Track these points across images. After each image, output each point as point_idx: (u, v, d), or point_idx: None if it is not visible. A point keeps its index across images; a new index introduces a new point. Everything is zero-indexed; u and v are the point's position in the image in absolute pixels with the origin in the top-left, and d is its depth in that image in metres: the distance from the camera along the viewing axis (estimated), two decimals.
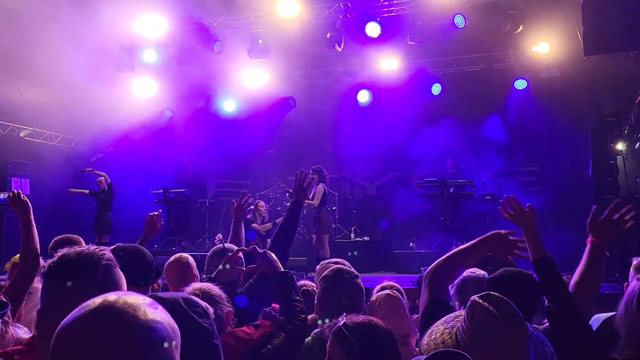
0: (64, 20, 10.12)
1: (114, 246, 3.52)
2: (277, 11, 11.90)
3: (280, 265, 3.04)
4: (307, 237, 12.95)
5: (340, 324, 2.17)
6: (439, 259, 2.70)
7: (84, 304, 1.11)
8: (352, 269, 3.23)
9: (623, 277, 8.27)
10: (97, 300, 1.11)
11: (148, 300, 1.14)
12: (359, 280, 3.04)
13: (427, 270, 2.73)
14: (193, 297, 1.66)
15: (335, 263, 3.48)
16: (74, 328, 1.07)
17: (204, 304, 1.65)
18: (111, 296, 1.11)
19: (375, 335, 2.16)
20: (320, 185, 10.48)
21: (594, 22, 8.79)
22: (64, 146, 13.95)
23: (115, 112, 12.43)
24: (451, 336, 1.86)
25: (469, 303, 1.90)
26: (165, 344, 1.09)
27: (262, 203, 11.59)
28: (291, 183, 13.79)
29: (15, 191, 3.63)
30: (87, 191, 12.53)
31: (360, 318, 2.22)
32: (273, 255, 3.07)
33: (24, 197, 3.62)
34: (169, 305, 1.53)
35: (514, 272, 2.82)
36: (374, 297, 3.36)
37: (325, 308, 2.91)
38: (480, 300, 1.88)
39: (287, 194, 4.24)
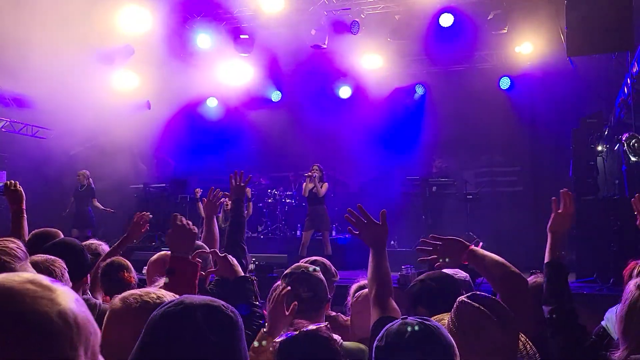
0: (44, 12, 9.95)
1: (51, 242, 3.49)
2: (262, 6, 11.82)
3: (241, 270, 3.03)
4: (288, 234, 12.91)
5: (282, 338, 2.12)
6: (369, 285, 2.72)
7: None
8: (312, 265, 3.20)
9: (602, 278, 8.34)
10: None
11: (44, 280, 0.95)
12: (318, 273, 3.07)
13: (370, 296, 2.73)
14: (221, 303, 1.52)
15: (314, 262, 3.43)
16: None
17: (232, 310, 1.52)
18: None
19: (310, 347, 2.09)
20: (327, 183, 10.77)
21: (577, 23, 8.84)
22: (42, 139, 13.75)
23: (96, 105, 12.26)
24: None
25: (456, 304, 1.89)
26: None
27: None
28: (274, 179, 13.71)
29: (12, 181, 3.74)
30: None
31: (305, 330, 2.14)
32: (234, 259, 3.04)
33: (19, 187, 3.80)
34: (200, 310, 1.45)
35: (437, 275, 2.89)
36: (356, 295, 3.31)
37: (288, 304, 2.88)
38: (469, 301, 1.87)
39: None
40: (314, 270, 3.08)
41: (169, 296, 2.01)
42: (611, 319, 3.08)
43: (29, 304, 0.90)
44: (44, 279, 0.96)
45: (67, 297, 0.95)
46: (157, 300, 1.94)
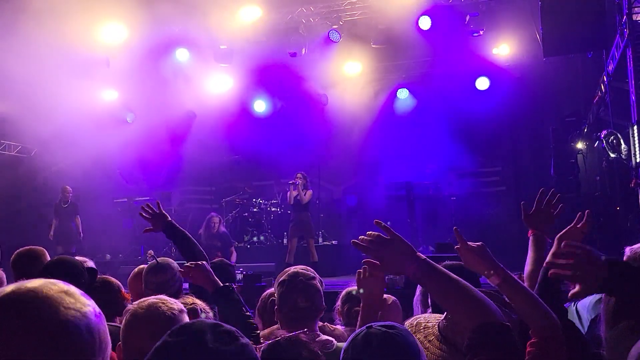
0: (25, 29, 9.90)
1: (52, 259, 3.43)
2: (240, 15, 11.84)
3: (217, 280, 3.00)
4: (275, 242, 12.88)
5: (263, 346, 2.13)
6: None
7: None
8: (310, 273, 3.17)
9: None
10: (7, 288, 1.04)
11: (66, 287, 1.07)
12: (316, 282, 2.94)
13: None
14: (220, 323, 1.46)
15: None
16: None
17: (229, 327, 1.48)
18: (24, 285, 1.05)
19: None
20: (311, 191, 10.69)
21: (552, 24, 8.97)
22: (23, 156, 13.64)
23: (77, 121, 12.18)
24: (434, 339, 1.92)
25: None
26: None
27: (215, 219, 11.53)
28: (257, 188, 13.58)
29: None
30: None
31: (286, 337, 2.15)
32: (208, 269, 3.06)
33: None
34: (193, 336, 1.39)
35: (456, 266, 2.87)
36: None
37: (283, 312, 2.83)
38: None
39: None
40: (312, 278, 2.97)
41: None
42: (586, 306, 3.14)
43: (63, 313, 1.01)
44: (77, 292, 1.08)
45: (92, 311, 1.07)
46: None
